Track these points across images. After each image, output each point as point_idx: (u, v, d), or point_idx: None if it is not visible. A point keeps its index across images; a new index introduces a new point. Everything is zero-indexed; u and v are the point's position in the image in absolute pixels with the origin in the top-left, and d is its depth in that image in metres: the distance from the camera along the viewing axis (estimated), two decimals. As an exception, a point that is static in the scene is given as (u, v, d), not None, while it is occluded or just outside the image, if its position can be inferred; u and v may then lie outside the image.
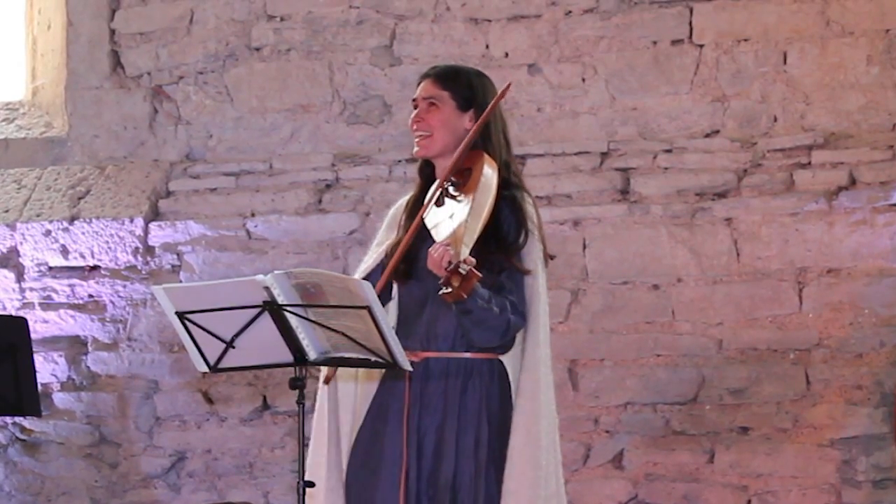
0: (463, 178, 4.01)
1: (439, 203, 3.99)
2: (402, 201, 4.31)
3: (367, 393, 4.24)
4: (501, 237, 4.04)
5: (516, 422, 4.07)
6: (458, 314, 3.97)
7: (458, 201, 3.95)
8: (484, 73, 4.30)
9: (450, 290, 3.76)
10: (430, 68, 4.29)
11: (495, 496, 4.05)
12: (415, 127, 4.18)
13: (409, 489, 4.06)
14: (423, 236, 4.02)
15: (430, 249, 3.86)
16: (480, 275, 3.78)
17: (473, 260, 3.78)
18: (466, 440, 4.07)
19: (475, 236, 3.86)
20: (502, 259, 4.02)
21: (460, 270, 3.74)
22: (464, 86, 4.19)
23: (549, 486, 4.07)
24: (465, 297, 3.79)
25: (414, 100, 4.23)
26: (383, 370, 4.10)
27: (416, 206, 4.19)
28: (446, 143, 4.15)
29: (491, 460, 4.07)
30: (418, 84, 4.25)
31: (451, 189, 4.00)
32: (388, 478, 4.08)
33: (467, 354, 4.10)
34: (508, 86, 4.13)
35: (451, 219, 3.92)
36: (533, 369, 4.10)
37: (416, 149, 4.20)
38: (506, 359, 4.14)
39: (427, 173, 4.24)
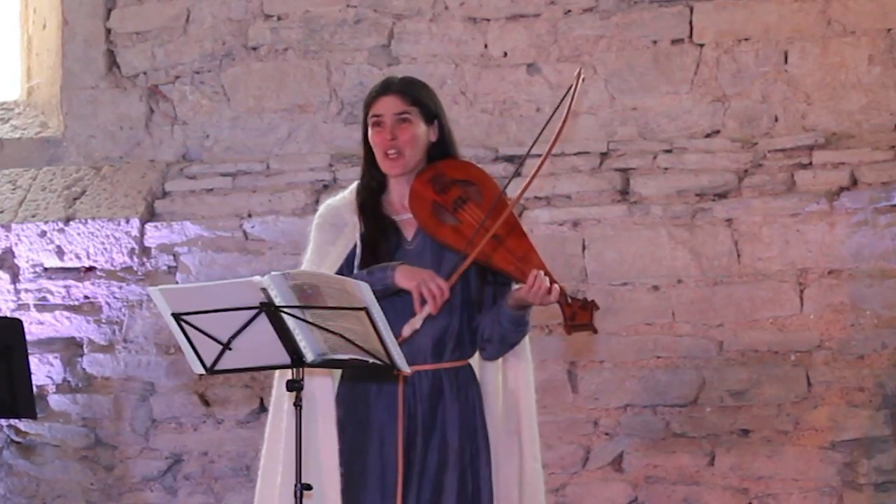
0: (468, 191, 4.10)
1: (455, 209, 4.07)
2: (339, 201, 4.28)
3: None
4: None
5: (525, 428, 4.19)
6: (511, 333, 4.11)
7: (478, 218, 4.04)
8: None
9: (575, 324, 3.95)
10: (386, 82, 4.25)
11: (490, 496, 4.14)
12: (388, 145, 4.14)
13: (407, 499, 4.09)
14: (397, 245, 4.13)
15: (531, 281, 3.96)
16: (599, 307, 3.98)
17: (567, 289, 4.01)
18: (467, 446, 4.13)
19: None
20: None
21: (587, 307, 3.95)
22: (427, 99, 4.22)
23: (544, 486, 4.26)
24: (597, 330, 4.00)
25: (377, 116, 4.17)
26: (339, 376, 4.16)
27: (376, 209, 4.19)
28: (417, 160, 4.19)
29: (488, 463, 4.16)
30: (375, 98, 4.20)
31: (462, 205, 4.09)
32: (379, 490, 4.10)
33: (455, 364, 4.17)
34: (579, 73, 4.23)
35: (496, 240, 4.00)
36: (526, 378, 4.24)
37: (388, 168, 4.17)
38: (472, 362, 4.23)
39: (378, 178, 4.22)
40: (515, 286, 4.07)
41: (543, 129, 4.17)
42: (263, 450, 4.22)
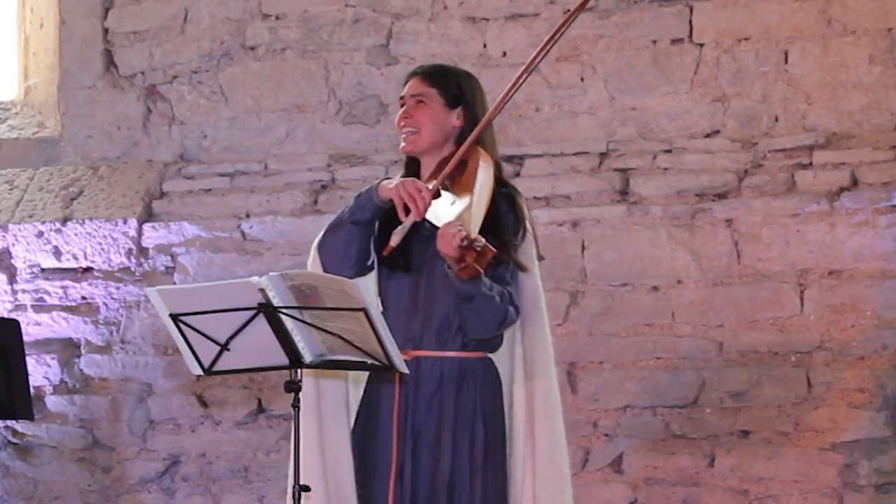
0: (459, 170, 4.09)
1: (436, 195, 4.04)
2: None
3: (353, 393, 4.24)
4: (500, 231, 4.09)
5: (539, 427, 4.13)
6: (461, 300, 4.01)
7: (456, 192, 4.03)
8: (473, 76, 4.35)
9: (464, 265, 3.86)
10: (417, 67, 4.35)
11: (492, 496, 4.10)
12: (402, 124, 4.22)
13: (403, 489, 4.08)
14: (416, 230, 4.07)
15: (440, 231, 3.92)
16: (495, 250, 3.89)
17: (483, 239, 3.88)
18: (462, 440, 4.09)
19: (480, 221, 3.96)
20: (501, 253, 4.04)
21: (475, 247, 3.84)
22: (452, 84, 4.24)
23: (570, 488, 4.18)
24: (482, 271, 3.89)
25: (401, 98, 4.27)
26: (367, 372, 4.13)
27: None
28: (433, 140, 4.20)
29: (487, 459, 4.11)
30: (405, 83, 4.28)
31: (446, 180, 4.08)
32: (380, 478, 4.10)
33: (460, 354, 4.12)
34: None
35: (452, 206, 4.00)
36: (545, 372, 4.19)
37: (402, 145, 4.23)
38: (496, 357, 4.18)
39: (413, 170, 4.26)
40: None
41: (554, 34, 4.26)
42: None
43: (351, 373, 4.15)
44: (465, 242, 3.85)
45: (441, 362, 4.11)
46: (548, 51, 4.25)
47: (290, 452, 3.95)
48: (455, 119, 4.21)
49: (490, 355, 4.16)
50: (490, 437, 4.12)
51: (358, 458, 4.15)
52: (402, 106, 4.25)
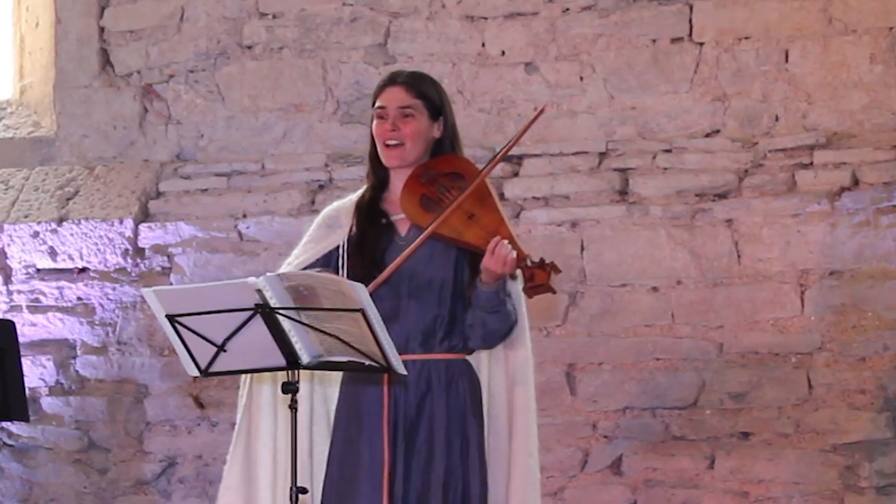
0: (455, 182, 4.08)
1: (438, 204, 4.04)
2: (343, 203, 4.29)
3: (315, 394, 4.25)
4: None
5: (516, 426, 4.15)
6: (487, 313, 4.05)
7: (467, 205, 4.02)
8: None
9: (535, 284, 3.89)
10: (394, 74, 4.27)
11: (484, 495, 4.12)
12: (388, 136, 4.15)
13: (394, 491, 4.08)
14: (389, 241, 4.11)
15: (494, 248, 3.92)
16: (560, 269, 3.94)
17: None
18: (455, 439, 4.10)
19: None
20: None
21: (545, 266, 3.89)
22: (434, 94, 4.21)
23: (540, 486, 4.19)
24: (556, 290, 3.93)
25: (381, 107, 4.17)
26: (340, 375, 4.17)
27: (372, 207, 4.19)
28: (419, 155, 4.17)
29: (480, 458, 4.14)
30: (381, 89, 4.21)
31: (446, 193, 4.06)
32: (368, 481, 4.09)
33: (446, 356, 4.14)
34: (543, 108, 4.27)
35: (471, 219, 4.00)
36: (524, 373, 4.19)
37: (386, 158, 4.17)
38: (471, 359, 4.20)
39: (381, 175, 4.22)
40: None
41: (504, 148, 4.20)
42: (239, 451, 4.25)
43: (304, 372, 4.13)
44: (530, 262, 3.90)
45: (428, 365, 4.12)
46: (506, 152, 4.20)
47: (292, 453, 3.92)
48: (436, 131, 4.19)
49: (468, 357, 4.19)
50: (482, 437, 4.15)
51: (337, 463, 4.14)
52: (380, 116, 4.17)
